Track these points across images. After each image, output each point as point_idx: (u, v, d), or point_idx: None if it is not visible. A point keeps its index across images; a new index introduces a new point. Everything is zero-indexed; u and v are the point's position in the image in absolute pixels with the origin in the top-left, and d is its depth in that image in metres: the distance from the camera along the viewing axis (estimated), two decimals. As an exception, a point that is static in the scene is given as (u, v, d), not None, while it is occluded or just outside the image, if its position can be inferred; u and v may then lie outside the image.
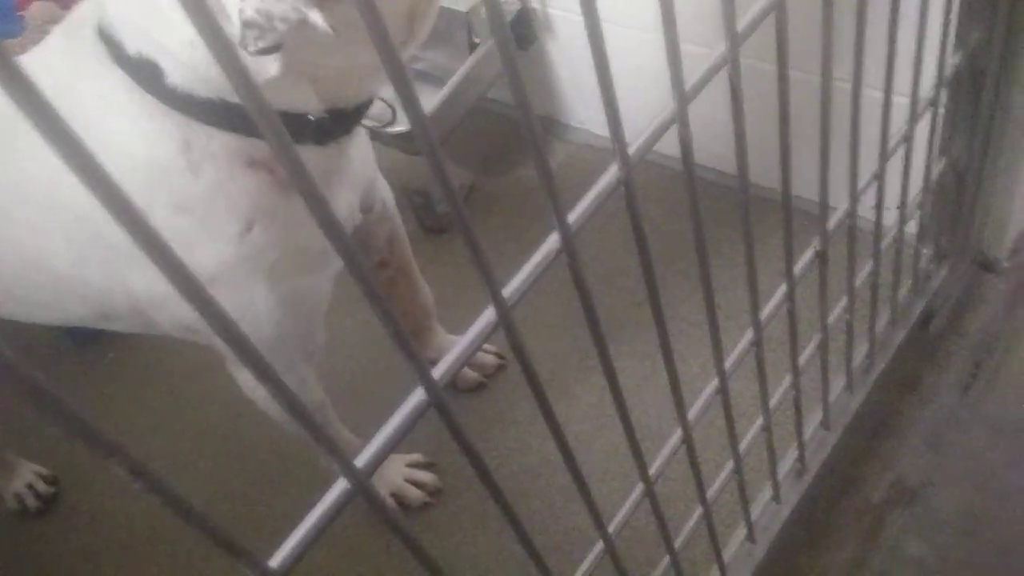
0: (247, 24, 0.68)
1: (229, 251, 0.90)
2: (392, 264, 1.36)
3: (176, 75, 0.81)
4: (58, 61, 0.89)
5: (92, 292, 0.98)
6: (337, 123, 0.91)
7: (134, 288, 0.94)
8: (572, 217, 0.50)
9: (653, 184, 1.60)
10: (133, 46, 0.82)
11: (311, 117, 0.87)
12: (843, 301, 1.00)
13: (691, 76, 0.53)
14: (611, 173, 0.51)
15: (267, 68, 0.76)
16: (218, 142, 0.85)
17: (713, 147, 1.47)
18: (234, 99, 0.80)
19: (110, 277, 0.94)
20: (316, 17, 0.69)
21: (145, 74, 0.82)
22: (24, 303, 1.06)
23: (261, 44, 0.69)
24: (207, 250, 0.89)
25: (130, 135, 0.84)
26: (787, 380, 0.94)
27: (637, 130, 0.52)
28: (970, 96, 1.06)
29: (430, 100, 1.60)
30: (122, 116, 0.84)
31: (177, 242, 0.89)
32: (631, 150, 0.51)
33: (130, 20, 0.81)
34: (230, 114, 0.83)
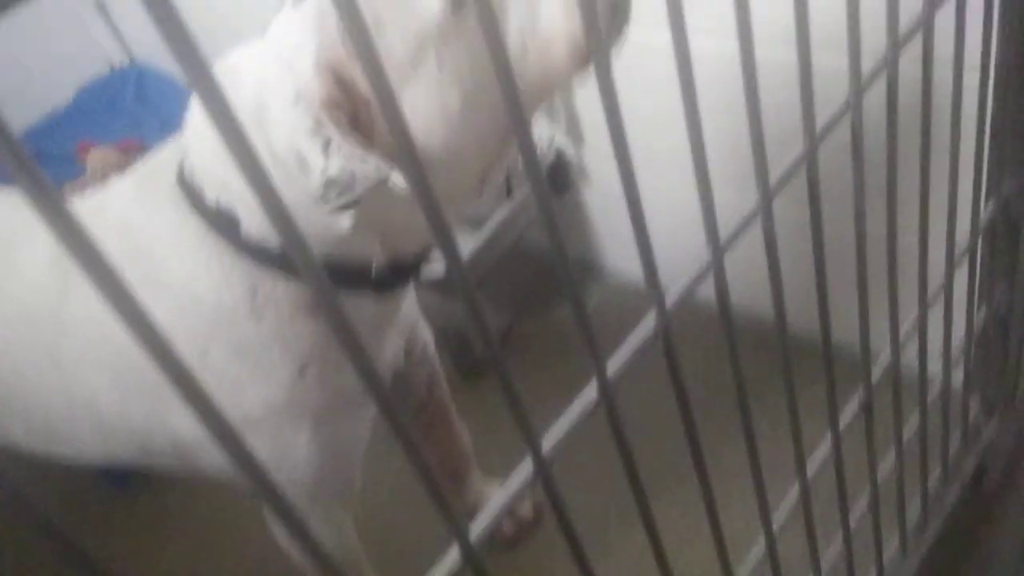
0: (330, 182, 0.71)
1: (279, 395, 0.91)
2: (430, 408, 1.35)
3: (252, 226, 0.83)
4: (134, 203, 0.92)
5: (136, 431, 0.98)
6: (397, 274, 0.92)
7: (176, 429, 0.94)
8: (610, 368, 0.49)
9: (689, 327, 1.57)
10: (212, 195, 0.84)
11: (373, 267, 0.89)
12: (892, 455, 0.97)
13: (725, 219, 0.54)
14: (648, 324, 0.51)
15: (340, 223, 0.78)
16: (282, 289, 0.87)
17: (750, 291, 1.46)
18: (315, 248, 0.82)
19: (153, 416, 0.95)
20: (397, 178, 0.72)
21: (222, 223, 0.84)
22: (69, 442, 1.06)
23: (341, 201, 0.72)
24: (257, 393, 0.90)
25: (198, 279, 0.86)
26: (838, 541, 0.90)
27: (673, 272, 0.53)
28: (1007, 244, 1.06)
29: (468, 244, 1.64)
30: (192, 261, 0.86)
31: (229, 385, 0.91)
32: (668, 300, 0.52)
33: (212, 170, 0.84)
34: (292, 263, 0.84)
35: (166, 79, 2.40)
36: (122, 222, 0.91)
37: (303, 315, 0.88)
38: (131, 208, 0.92)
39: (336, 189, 0.71)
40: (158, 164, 0.93)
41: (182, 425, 0.93)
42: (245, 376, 0.89)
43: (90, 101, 2.47)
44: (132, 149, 2.22)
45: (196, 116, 0.87)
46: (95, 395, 0.96)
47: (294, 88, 0.72)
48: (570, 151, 1.72)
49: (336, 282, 0.87)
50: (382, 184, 0.72)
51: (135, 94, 2.43)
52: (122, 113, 2.39)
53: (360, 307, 0.91)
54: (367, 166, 0.71)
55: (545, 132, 1.66)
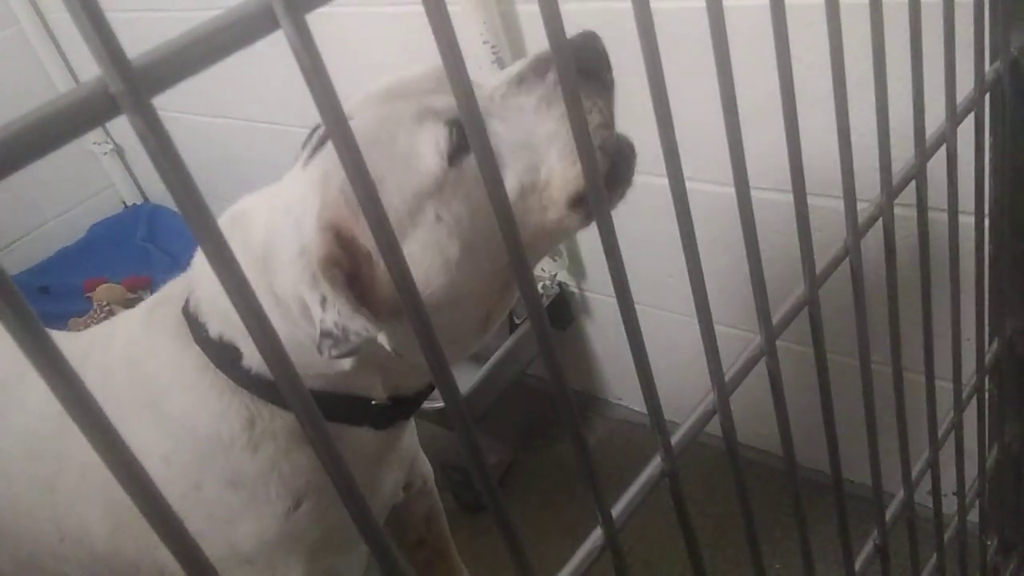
0: (324, 334, 0.73)
1: (273, 528, 0.89)
2: (429, 543, 1.32)
3: (253, 359, 0.85)
4: (141, 332, 0.94)
5: (125, 565, 0.97)
6: (398, 409, 0.93)
7: (165, 563, 0.93)
8: (616, 510, 0.48)
9: (695, 463, 1.56)
10: (216, 329, 0.86)
11: (373, 402, 0.89)
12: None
13: (728, 357, 0.54)
14: (654, 465, 0.50)
15: (340, 364, 0.80)
16: (280, 422, 0.87)
17: (756, 427, 1.45)
18: (311, 383, 0.84)
19: (142, 550, 0.94)
20: (383, 339, 0.74)
21: (223, 356, 0.86)
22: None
23: (335, 352, 0.74)
24: (251, 527, 0.89)
25: (197, 412, 0.87)
26: None
27: (678, 400, 0.52)
28: (1015, 383, 1.05)
29: (469, 378, 1.63)
30: (192, 393, 0.87)
31: (222, 518, 0.90)
32: (673, 440, 0.51)
33: (217, 304, 0.86)
34: None
35: (178, 216, 2.46)
36: (129, 350, 0.93)
37: (300, 448, 0.88)
38: (138, 337, 0.93)
39: (330, 341, 0.73)
40: (167, 296, 0.95)
41: (171, 560, 0.91)
42: (238, 509, 0.88)
43: (101, 237, 2.53)
44: (139, 286, 2.26)
45: (203, 254, 0.89)
46: (87, 526, 0.96)
47: (298, 242, 0.76)
48: (572, 286, 1.74)
49: (336, 415, 0.88)
50: (373, 342, 0.74)
51: (146, 231, 2.49)
52: (132, 250, 2.43)
53: (359, 440, 0.92)
54: (356, 324, 0.73)
55: (547, 268, 1.69)
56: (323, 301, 0.73)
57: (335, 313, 0.72)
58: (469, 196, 0.76)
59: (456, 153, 0.76)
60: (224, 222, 0.84)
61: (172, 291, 0.95)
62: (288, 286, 0.76)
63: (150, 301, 0.99)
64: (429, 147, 0.76)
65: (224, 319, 0.85)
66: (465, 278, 0.78)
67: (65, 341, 1.06)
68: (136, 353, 0.92)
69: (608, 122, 0.80)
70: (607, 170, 0.79)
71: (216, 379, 0.86)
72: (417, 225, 0.76)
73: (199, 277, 0.89)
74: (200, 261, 0.90)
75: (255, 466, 0.87)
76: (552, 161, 0.78)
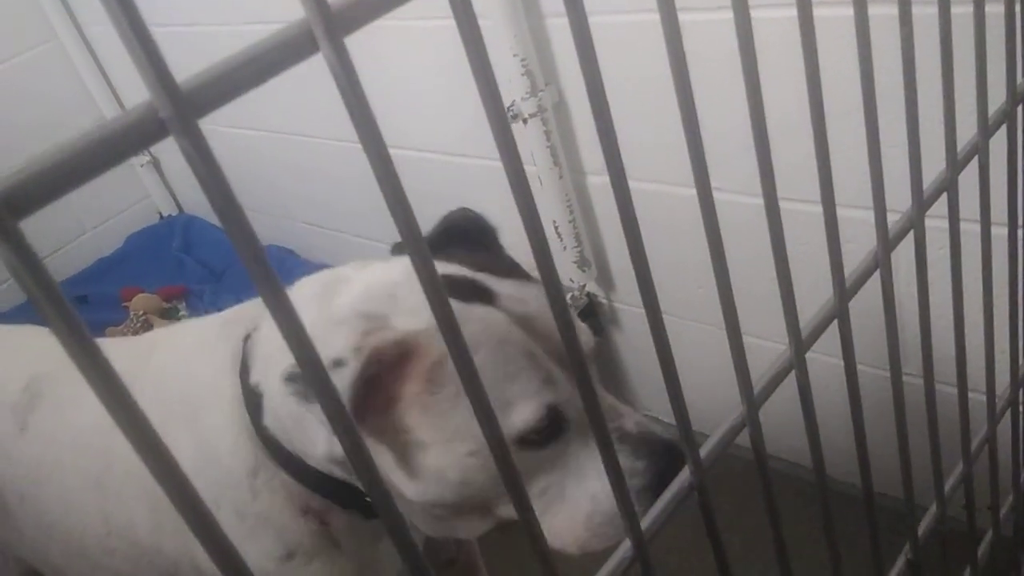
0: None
1: (270, 567, 0.92)
2: (459, 563, 1.33)
3: (270, 417, 0.85)
4: (202, 343, 0.96)
5: (165, 562, 1.00)
6: None
7: (201, 563, 0.96)
8: (645, 523, 0.48)
9: (724, 475, 1.55)
10: (255, 374, 0.87)
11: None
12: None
13: (757, 367, 0.54)
14: (683, 478, 0.50)
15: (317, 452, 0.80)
16: (280, 481, 0.89)
17: (787, 439, 1.44)
18: (309, 462, 0.85)
19: (181, 548, 0.97)
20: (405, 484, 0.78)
21: (252, 401, 0.87)
22: (103, 571, 1.08)
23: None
24: (252, 558, 0.91)
25: (220, 440, 0.89)
26: None
27: (706, 418, 0.52)
28: (1050, 394, 1.04)
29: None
30: (221, 421, 0.89)
31: (233, 538, 0.92)
32: (703, 453, 0.51)
33: (264, 350, 0.86)
34: (298, 467, 0.87)
35: (212, 227, 2.50)
36: (189, 357, 0.96)
37: (293, 511, 0.90)
38: (201, 346, 0.95)
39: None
40: (242, 315, 0.95)
41: (208, 563, 0.93)
42: (244, 537, 0.91)
43: (138, 247, 2.57)
44: (174, 295, 2.29)
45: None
46: (132, 521, 0.99)
47: (354, 345, 0.73)
48: (601, 297, 1.74)
49: (328, 494, 0.89)
50: None
51: (181, 242, 2.53)
52: (167, 260, 2.47)
53: (354, 521, 0.92)
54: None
55: (576, 279, 1.69)
56: (338, 363, 0.71)
57: (340, 378, 0.71)
58: (522, 465, 0.77)
59: (542, 438, 0.77)
60: (316, 281, 0.86)
61: (250, 311, 0.95)
62: (334, 342, 0.75)
63: (228, 313, 1.00)
64: (526, 415, 0.76)
65: (264, 366, 0.86)
66: (461, 500, 0.80)
67: (130, 340, 1.07)
68: (194, 362, 0.94)
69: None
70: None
71: (243, 418, 0.88)
72: (455, 445, 0.76)
73: (264, 320, 0.89)
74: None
75: (255, 508, 0.90)
76: (580, 528, 0.81)
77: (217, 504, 0.90)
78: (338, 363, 0.71)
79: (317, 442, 0.77)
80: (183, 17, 2.02)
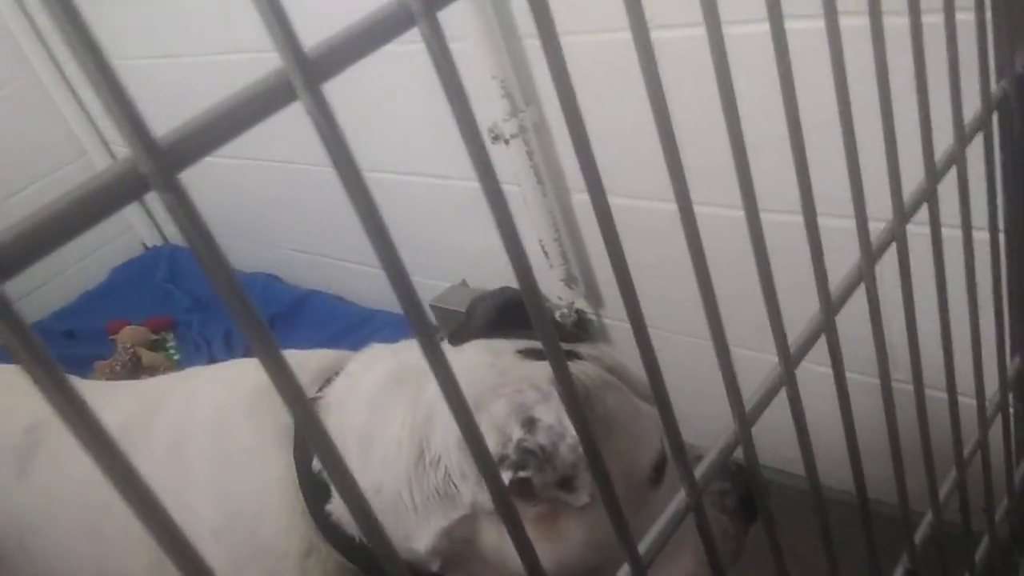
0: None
1: None
2: None
3: (339, 508, 0.83)
4: (239, 398, 0.92)
5: None
6: None
7: None
8: (642, 546, 0.48)
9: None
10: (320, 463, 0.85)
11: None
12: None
13: (747, 380, 0.54)
14: (679, 500, 0.50)
15: (417, 544, 0.81)
16: (334, 565, 0.87)
17: (781, 449, 1.43)
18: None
19: None
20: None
21: (312, 488, 0.85)
22: None
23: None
24: None
25: (264, 513, 0.87)
26: None
27: (699, 430, 0.52)
28: (1038, 396, 1.04)
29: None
30: (266, 494, 0.87)
31: None
32: (697, 474, 0.51)
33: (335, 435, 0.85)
34: (359, 553, 0.85)
35: (196, 256, 2.49)
36: (221, 408, 0.93)
37: None
38: (238, 402, 0.92)
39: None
40: (303, 365, 0.93)
41: None
42: None
43: (122, 280, 2.56)
44: (162, 327, 2.28)
45: (352, 381, 0.89)
46: (127, 574, 0.97)
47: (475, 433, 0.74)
48: (590, 313, 1.74)
49: None
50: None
51: (167, 272, 2.52)
52: (153, 291, 2.46)
53: None
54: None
55: (564, 296, 1.69)
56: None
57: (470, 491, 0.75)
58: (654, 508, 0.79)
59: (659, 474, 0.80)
60: (393, 366, 0.86)
61: (311, 362, 0.93)
62: (450, 453, 0.77)
63: (257, 380, 0.96)
64: (656, 444, 0.80)
65: (362, 457, 0.83)
66: (599, 563, 0.81)
67: (160, 379, 1.06)
68: (229, 418, 0.91)
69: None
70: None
71: (296, 498, 0.86)
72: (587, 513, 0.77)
73: (342, 387, 0.88)
74: (358, 367, 0.90)
75: None
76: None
77: (240, 570, 0.87)
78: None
79: (420, 536, 0.80)
80: (155, 50, 2.03)
